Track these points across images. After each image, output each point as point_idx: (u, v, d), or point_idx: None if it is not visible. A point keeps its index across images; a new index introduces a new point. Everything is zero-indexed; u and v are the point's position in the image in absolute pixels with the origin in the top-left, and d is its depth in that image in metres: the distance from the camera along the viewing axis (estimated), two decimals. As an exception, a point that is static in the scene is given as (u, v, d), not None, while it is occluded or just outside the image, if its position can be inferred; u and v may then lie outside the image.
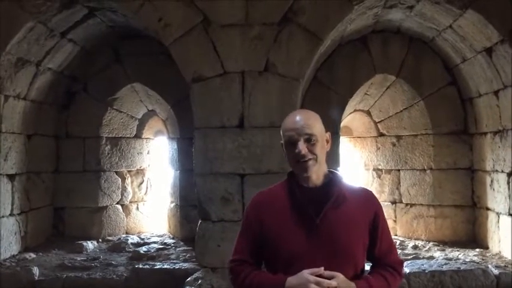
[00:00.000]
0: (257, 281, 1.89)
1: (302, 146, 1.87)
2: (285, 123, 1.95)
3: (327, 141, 1.97)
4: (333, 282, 1.75)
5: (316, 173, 1.93)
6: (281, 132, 1.96)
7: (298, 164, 1.89)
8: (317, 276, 1.76)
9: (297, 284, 1.76)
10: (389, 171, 5.75)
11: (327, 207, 1.87)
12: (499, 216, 4.67)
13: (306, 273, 1.76)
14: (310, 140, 1.88)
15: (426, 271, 4.05)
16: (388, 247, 1.99)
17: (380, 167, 5.82)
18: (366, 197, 1.99)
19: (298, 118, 1.92)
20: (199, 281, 3.99)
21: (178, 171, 5.72)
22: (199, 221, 4.37)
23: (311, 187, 1.93)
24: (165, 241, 5.52)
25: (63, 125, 5.73)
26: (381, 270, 1.96)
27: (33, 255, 4.85)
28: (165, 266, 4.37)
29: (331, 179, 1.95)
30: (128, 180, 6.06)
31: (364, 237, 1.91)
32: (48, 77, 5.17)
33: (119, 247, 5.24)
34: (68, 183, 5.69)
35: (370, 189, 2.10)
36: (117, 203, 5.95)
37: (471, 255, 4.65)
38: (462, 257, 4.57)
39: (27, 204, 5.12)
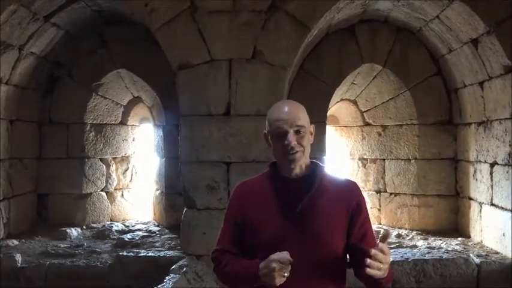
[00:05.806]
0: (235, 266, 1.90)
1: (292, 138, 1.83)
2: (273, 113, 1.91)
3: (311, 134, 1.95)
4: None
5: (300, 165, 1.91)
6: (267, 122, 1.92)
7: (286, 156, 1.87)
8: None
9: (264, 265, 1.75)
10: (374, 161, 5.78)
11: (308, 197, 1.86)
12: (481, 206, 4.74)
13: (272, 256, 1.74)
14: (299, 132, 1.85)
15: (409, 260, 4.11)
16: (371, 239, 1.93)
17: (365, 157, 5.85)
18: (348, 188, 1.97)
19: (287, 109, 1.88)
20: (184, 269, 3.98)
21: (163, 159, 5.68)
22: (185, 209, 4.36)
23: (293, 178, 1.91)
24: (150, 229, 5.50)
25: (46, 110, 5.64)
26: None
27: (16, 242, 4.80)
28: (150, 254, 4.36)
29: (313, 170, 1.94)
30: (113, 167, 6.01)
31: (344, 227, 1.89)
32: (31, 61, 5.07)
33: (103, 234, 5.22)
34: (52, 169, 5.62)
35: (354, 180, 2.07)
36: (102, 190, 5.90)
37: (453, 244, 4.71)
38: (444, 246, 4.63)
39: (10, 190, 5.05)
